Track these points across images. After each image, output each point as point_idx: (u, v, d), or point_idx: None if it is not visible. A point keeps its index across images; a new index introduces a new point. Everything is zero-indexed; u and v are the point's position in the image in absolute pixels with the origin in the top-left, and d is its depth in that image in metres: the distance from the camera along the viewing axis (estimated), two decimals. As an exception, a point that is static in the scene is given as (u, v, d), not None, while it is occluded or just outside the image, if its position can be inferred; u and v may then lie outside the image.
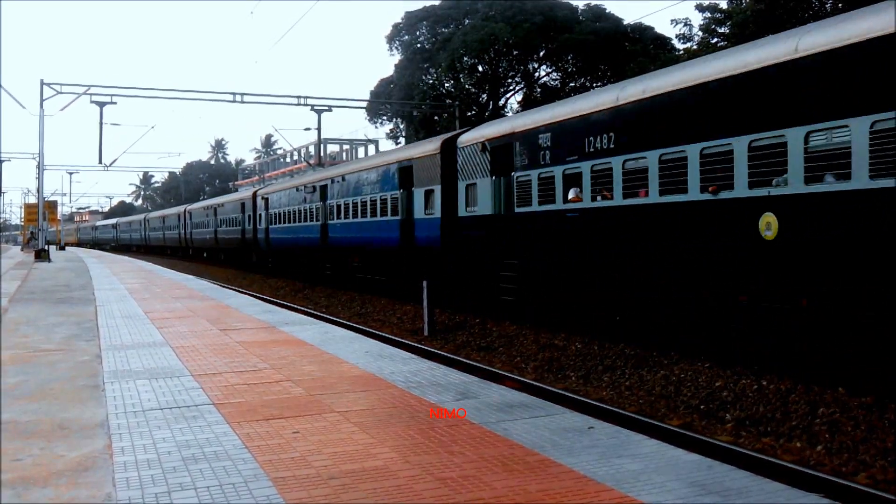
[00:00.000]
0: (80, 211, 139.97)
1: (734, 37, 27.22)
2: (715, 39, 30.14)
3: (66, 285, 20.56)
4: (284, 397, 6.47)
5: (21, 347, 9.31)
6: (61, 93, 31.87)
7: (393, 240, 21.96)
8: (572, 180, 13.95)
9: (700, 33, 31.57)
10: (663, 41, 39.54)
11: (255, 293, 24.48)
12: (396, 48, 44.20)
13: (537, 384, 10.71)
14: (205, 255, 53.31)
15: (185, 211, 58.56)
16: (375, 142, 69.08)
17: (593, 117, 13.37)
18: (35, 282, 21.89)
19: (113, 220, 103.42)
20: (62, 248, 64.78)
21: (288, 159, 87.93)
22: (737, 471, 4.48)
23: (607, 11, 41.33)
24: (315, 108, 34.76)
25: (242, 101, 33.22)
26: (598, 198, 13.19)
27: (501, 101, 43.39)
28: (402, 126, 45.32)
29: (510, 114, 39.32)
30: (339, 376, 7.38)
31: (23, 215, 58.94)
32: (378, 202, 23.21)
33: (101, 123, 33.88)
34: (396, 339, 14.97)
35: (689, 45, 32.36)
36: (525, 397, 6.51)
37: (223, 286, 23.95)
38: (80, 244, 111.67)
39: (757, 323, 10.27)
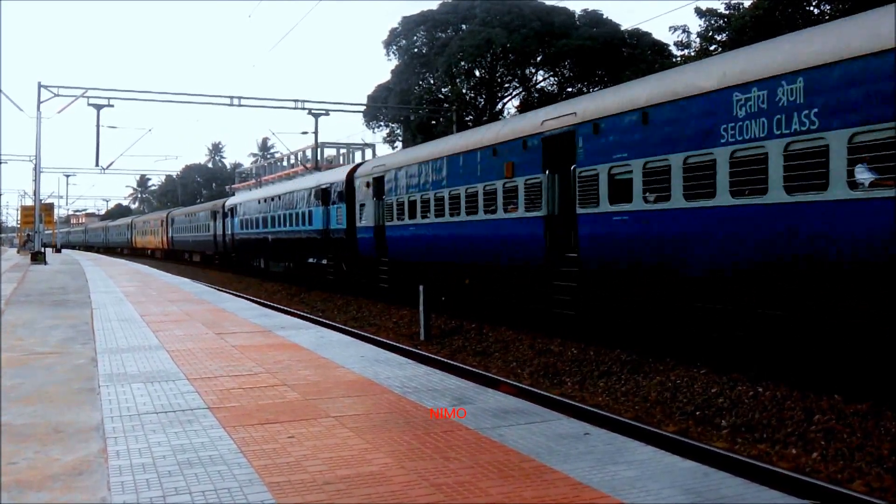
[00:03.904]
0: (77, 213, 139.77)
1: (732, 43, 27.28)
2: (713, 46, 30.20)
3: (62, 288, 20.51)
4: (280, 402, 6.46)
5: (17, 350, 9.28)
6: (58, 95, 31.78)
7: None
8: None
9: (698, 40, 31.65)
10: (661, 47, 39.65)
11: (251, 297, 24.44)
12: (394, 53, 44.31)
13: (533, 390, 10.71)
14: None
15: (223, 206, 43.78)
16: (372, 146, 69.44)
17: None
18: (31, 284, 21.84)
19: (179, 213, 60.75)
20: (58, 251, 64.72)
21: (285, 163, 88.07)
22: (732, 478, 4.47)
23: (605, 17, 41.46)
24: (312, 112, 34.75)
25: (240, 105, 33.23)
26: None
27: (499, 106, 43.47)
28: (398, 131, 45.44)
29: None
30: (334, 381, 7.37)
31: (19, 218, 58.69)
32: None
33: (98, 126, 33.82)
34: (392, 343, 14.96)
35: (686, 52, 32.45)
36: (521, 403, 6.50)
37: (219, 290, 23.91)
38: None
39: None
